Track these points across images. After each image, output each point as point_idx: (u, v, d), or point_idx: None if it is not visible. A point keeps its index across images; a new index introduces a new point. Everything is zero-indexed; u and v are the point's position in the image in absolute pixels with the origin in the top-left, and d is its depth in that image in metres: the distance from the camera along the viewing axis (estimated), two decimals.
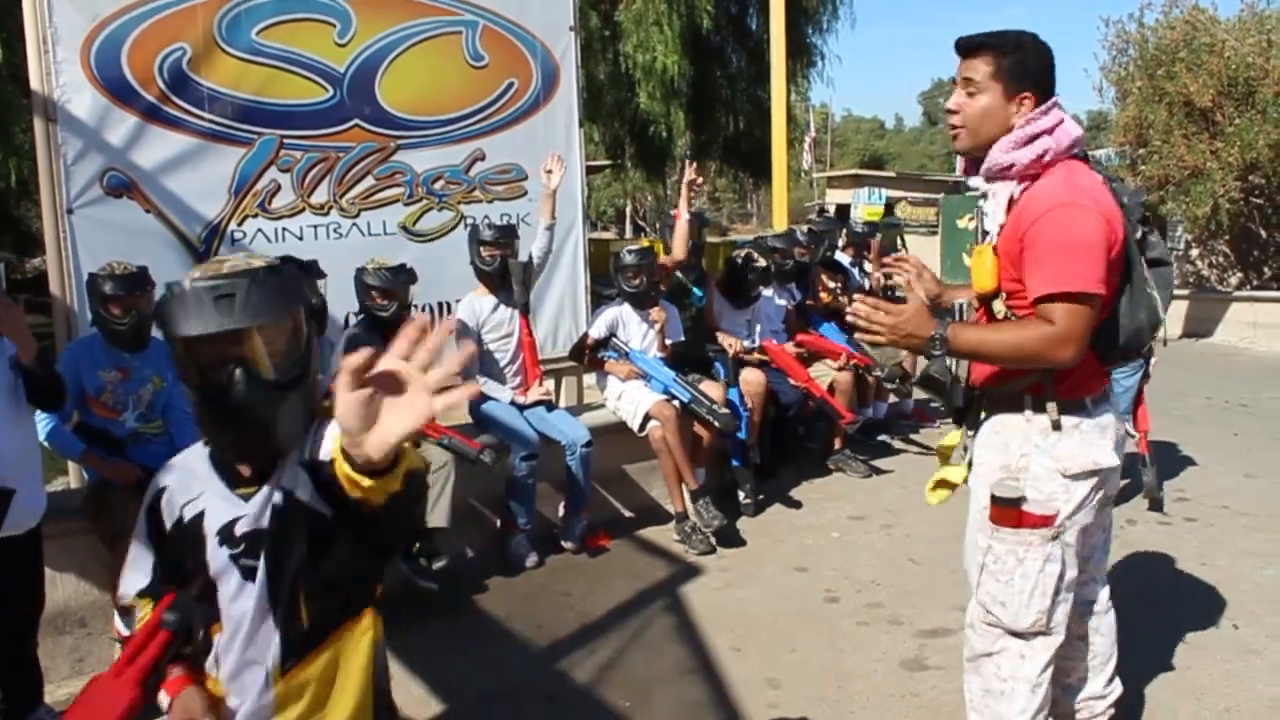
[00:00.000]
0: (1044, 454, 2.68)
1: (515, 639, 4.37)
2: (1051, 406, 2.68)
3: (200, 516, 1.84)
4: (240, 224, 5.34)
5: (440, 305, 5.96)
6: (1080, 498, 2.69)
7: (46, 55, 4.73)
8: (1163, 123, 14.59)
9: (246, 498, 1.81)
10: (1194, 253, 17.12)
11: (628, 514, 5.93)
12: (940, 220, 26.98)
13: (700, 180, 5.88)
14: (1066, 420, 2.68)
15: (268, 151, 5.38)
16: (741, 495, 5.96)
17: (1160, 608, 4.36)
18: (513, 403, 5.29)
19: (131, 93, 4.97)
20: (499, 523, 5.30)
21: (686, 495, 5.47)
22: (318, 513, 1.63)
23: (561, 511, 5.45)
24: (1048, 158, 2.58)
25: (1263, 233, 15.26)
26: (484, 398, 5.29)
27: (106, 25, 4.87)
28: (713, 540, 5.34)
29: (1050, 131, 2.58)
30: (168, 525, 1.89)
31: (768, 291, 6.88)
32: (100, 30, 4.85)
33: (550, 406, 5.46)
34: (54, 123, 4.78)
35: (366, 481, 1.38)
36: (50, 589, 4.02)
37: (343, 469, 1.39)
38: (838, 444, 6.80)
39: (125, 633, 3.96)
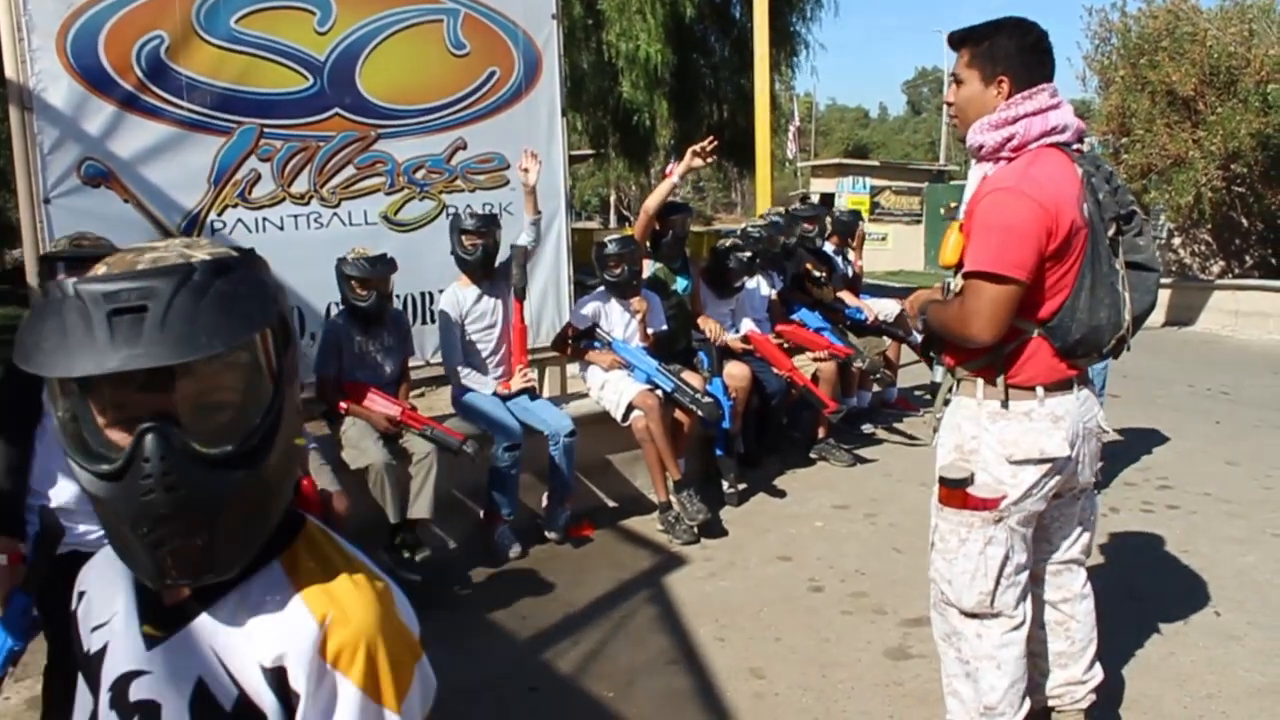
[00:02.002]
0: (992, 437, 2.75)
1: (498, 630, 4.35)
2: (999, 389, 2.75)
3: (102, 654, 1.21)
4: (220, 214, 5.29)
5: (422, 295, 5.93)
6: (1028, 484, 2.74)
7: (21, 43, 4.67)
8: (1145, 111, 14.65)
9: (152, 643, 1.17)
10: (1176, 241, 17.20)
11: (611, 504, 5.92)
12: (924, 209, 27.11)
13: (710, 150, 5.80)
14: (1015, 406, 2.74)
15: (247, 141, 5.32)
16: (725, 485, 5.95)
17: (1142, 595, 4.38)
18: (495, 393, 5.27)
19: (109, 81, 4.91)
20: (482, 514, 5.28)
21: (670, 485, 5.46)
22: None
23: (545, 502, 5.43)
24: (1014, 142, 2.68)
25: (1244, 221, 15.34)
26: (466, 389, 5.26)
27: (83, 12, 4.81)
28: (696, 530, 5.34)
29: (1025, 118, 2.66)
30: (80, 650, 1.25)
31: (751, 283, 6.87)
32: (76, 18, 4.79)
33: (533, 396, 5.44)
34: (30, 111, 4.72)
35: None
36: None
37: None
38: (821, 433, 6.80)
39: None
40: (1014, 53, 2.70)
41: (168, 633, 1.15)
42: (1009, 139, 2.68)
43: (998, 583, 2.79)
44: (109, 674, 1.18)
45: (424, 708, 1.17)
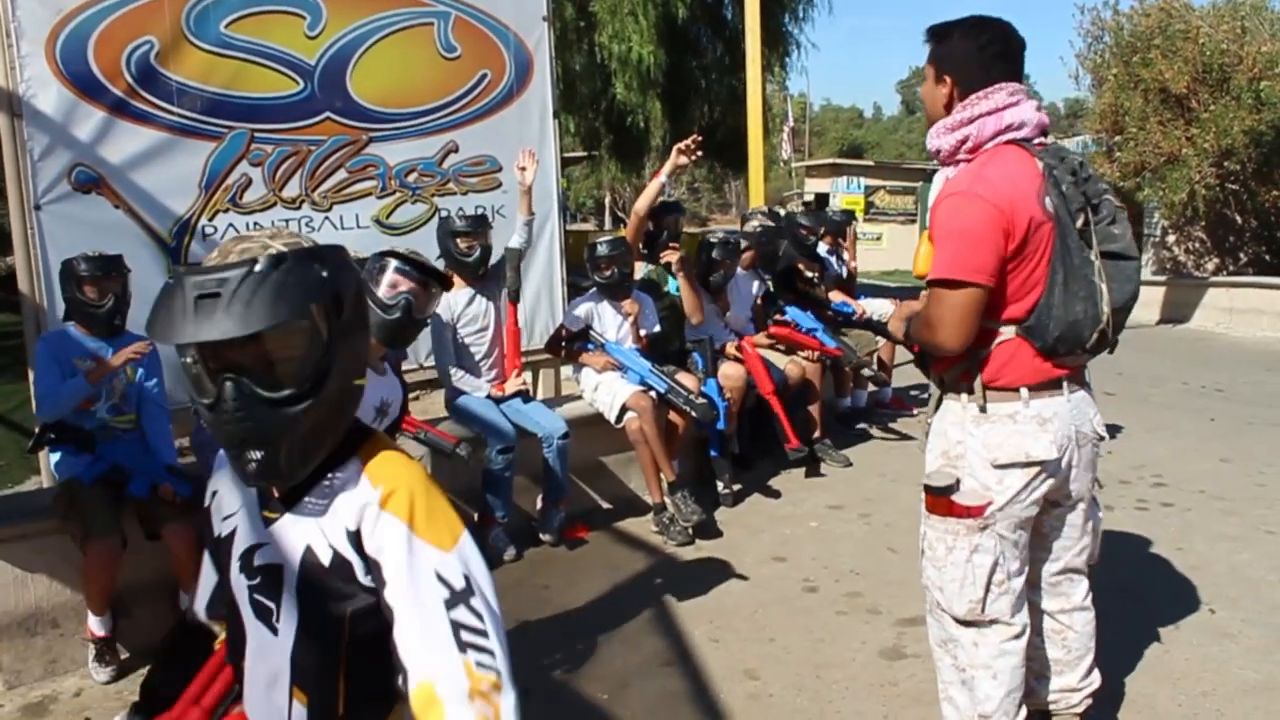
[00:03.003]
0: (977, 442, 2.72)
1: None
2: (978, 392, 2.73)
3: (232, 536, 1.65)
4: (211, 219, 5.29)
5: None
6: (1015, 489, 2.70)
7: (10, 49, 4.67)
8: (1138, 109, 14.67)
9: (269, 523, 1.60)
10: (1170, 239, 17.22)
11: (606, 506, 5.91)
12: (918, 208, 27.13)
13: (695, 146, 5.75)
14: (999, 408, 2.71)
15: (238, 145, 5.33)
16: (720, 486, 5.95)
17: (1136, 593, 4.37)
18: (489, 395, 5.26)
19: (99, 87, 4.92)
20: (476, 516, 5.26)
21: (664, 486, 5.45)
22: (347, 569, 1.54)
23: (539, 504, 5.42)
24: (969, 144, 2.68)
25: (1238, 219, 15.37)
26: (460, 391, 5.26)
27: (72, 19, 4.81)
28: (691, 531, 5.33)
29: (979, 119, 2.66)
30: (212, 535, 1.72)
31: (744, 279, 6.86)
32: (65, 24, 4.80)
33: (527, 398, 5.43)
34: (20, 118, 4.73)
35: None
36: (21, 590, 3.99)
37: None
38: (816, 434, 6.79)
39: (99, 633, 3.94)
40: (962, 54, 2.71)
41: (280, 515, 1.59)
42: (964, 140, 2.68)
43: (987, 590, 2.75)
44: (237, 549, 1.62)
45: (486, 572, 1.54)
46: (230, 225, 5.31)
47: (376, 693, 1.61)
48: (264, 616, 1.59)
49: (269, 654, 1.59)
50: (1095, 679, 3.11)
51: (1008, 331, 2.68)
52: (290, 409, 1.46)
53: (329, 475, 1.57)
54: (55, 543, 4.00)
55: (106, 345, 4.16)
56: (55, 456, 4.19)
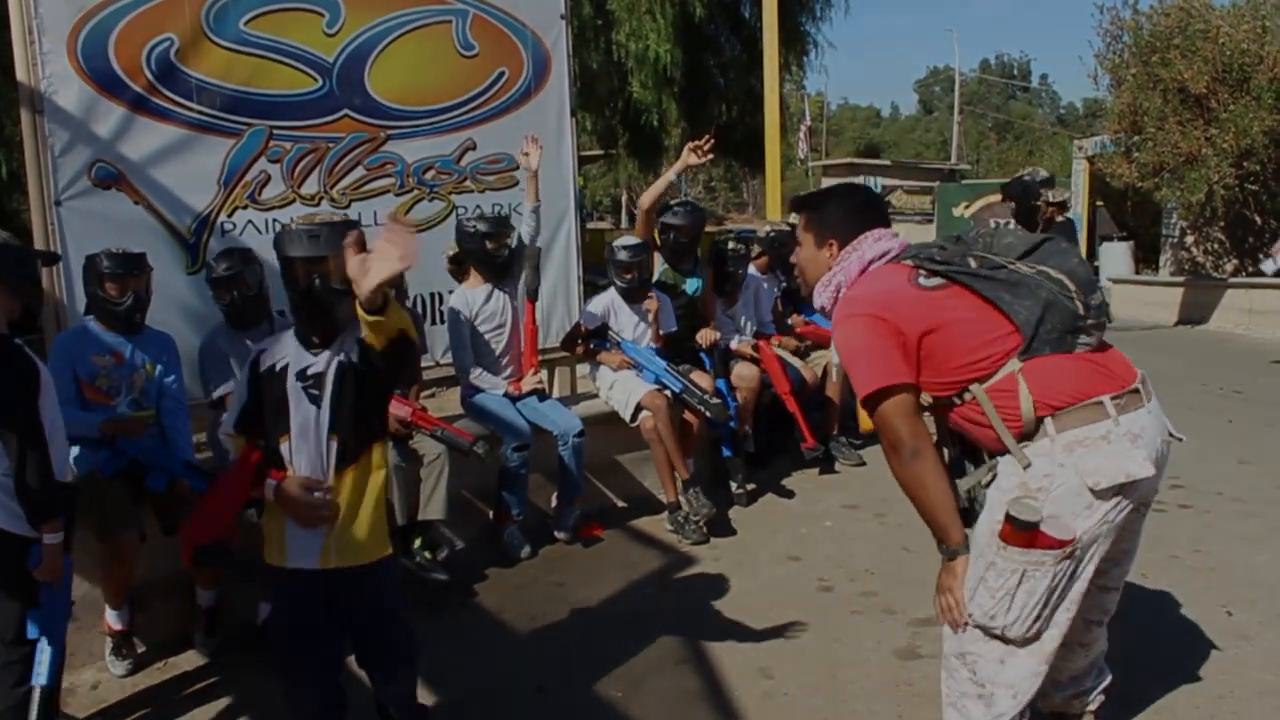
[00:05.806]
0: (1070, 471, 2.53)
1: (508, 630, 4.36)
2: (1052, 422, 2.58)
3: (286, 367, 2.83)
4: (230, 215, 5.30)
5: (432, 295, 5.94)
6: (1103, 514, 2.54)
7: (32, 46, 4.68)
8: (1157, 109, 14.58)
9: (317, 351, 2.83)
10: (1189, 239, 17.13)
11: (621, 504, 5.93)
12: (935, 208, 27.01)
13: (707, 147, 5.74)
14: (1091, 431, 2.54)
15: (257, 142, 5.33)
16: (734, 485, 5.95)
17: (1153, 594, 4.36)
18: (505, 394, 5.27)
19: (119, 84, 4.93)
20: (492, 514, 5.29)
21: (679, 485, 5.45)
22: (359, 368, 2.77)
23: (554, 502, 5.44)
24: (842, 290, 2.90)
25: (1257, 219, 15.28)
26: (476, 389, 5.27)
27: (93, 16, 4.82)
28: (705, 529, 5.33)
29: (844, 265, 2.90)
30: (262, 370, 2.87)
31: (764, 283, 6.85)
32: (87, 20, 4.81)
33: (542, 396, 5.44)
34: (41, 114, 4.74)
35: (370, 319, 2.49)
36: None
37: (359, 313, 2.49)
38: (834, 431, 6.78)
39: (116, 627, 3.97)
40: (840, 218, 2.95)
41: (320, 350, 2.84)
42: (837, 289, 2.91)
43: (1051, 615, 2.62)
44: (293, 370, 2.82)
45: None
46: (249, 222, 5.32)
47: (373, 430, 2.89)
48: (314, 400, 2.79)
49: (313, 419, 2.79)
50: (1107, 674, 3.09)
51: (1012, 364, 2.58)
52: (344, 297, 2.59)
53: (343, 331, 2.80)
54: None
55: (125, 341, 4.19)
56: (74, 450, 4.21)
